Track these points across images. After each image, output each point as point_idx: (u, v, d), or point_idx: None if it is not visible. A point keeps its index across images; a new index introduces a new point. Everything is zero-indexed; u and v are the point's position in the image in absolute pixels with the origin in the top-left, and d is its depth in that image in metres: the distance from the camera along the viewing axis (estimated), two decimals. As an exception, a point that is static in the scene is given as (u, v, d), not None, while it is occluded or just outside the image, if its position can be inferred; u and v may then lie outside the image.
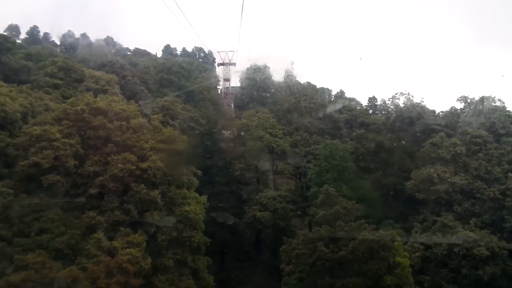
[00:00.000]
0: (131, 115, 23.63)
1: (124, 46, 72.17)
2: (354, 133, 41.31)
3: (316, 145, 36.59)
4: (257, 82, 64.84)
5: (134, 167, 20.53)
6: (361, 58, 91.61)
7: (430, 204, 30.81)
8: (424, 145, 33.88)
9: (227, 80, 62.17)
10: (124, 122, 22.73)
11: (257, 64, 63.98)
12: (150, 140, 22.34)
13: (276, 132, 37.55)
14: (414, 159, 33.72)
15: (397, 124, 40.49)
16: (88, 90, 32.87)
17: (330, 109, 44.92)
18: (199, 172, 24.94)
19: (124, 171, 20.27)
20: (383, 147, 35.99)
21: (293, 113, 42.09)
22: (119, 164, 20.33)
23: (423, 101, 42.42)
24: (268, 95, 64.84)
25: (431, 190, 29.82)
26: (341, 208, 22.96)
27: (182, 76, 55.96)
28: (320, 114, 42.09)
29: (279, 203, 32.45)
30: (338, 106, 50.43)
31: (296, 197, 34.20)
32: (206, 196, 24.12)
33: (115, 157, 20.68)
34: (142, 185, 20.53)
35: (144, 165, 20.87)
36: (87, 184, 20.35)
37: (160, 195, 20.80)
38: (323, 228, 22.61)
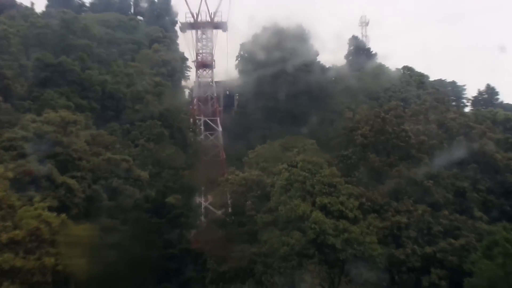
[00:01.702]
0: None
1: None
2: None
3: (455, 240, 35.34)
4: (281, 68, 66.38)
5: None
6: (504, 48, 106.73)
7: None
8: None
9: (205, 65, 63.96)
10: None
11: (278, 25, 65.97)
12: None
13: (343, 204, 36.45)
14: None
15: None
16: None
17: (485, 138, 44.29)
18: None
19: None
20: None
21: (384, 148, 42.08)
22: None
23: None
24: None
25: None
26: None
27: (93, 57, 57.39)
28: (456, 151, 41.92)
29: None
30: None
31: None
32: None
33: None
34: None
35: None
36: None
37: None
38: None
